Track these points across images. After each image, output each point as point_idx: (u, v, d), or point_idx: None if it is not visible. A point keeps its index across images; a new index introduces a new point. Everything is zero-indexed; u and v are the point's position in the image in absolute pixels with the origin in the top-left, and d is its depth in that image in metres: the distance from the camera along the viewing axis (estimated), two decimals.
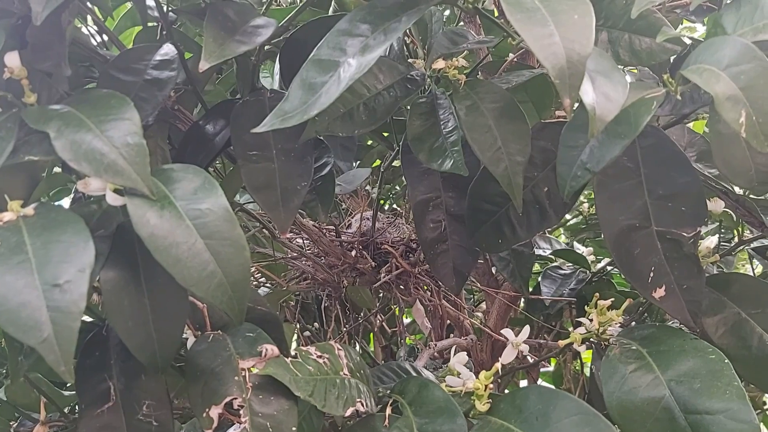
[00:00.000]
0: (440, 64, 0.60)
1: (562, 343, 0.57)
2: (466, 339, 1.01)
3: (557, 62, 0.39)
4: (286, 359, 0.47)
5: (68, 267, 0.38)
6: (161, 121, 0.65)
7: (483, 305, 1.38)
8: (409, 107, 0.65)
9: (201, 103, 0.65)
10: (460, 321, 1.05)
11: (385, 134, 1.24)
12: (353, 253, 0.86)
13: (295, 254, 0.87)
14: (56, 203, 0.58)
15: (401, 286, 0.89)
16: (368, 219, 0.90)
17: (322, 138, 0.67)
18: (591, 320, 0.59)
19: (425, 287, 0.91)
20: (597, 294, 0.62)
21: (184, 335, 0.52)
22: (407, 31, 0.75)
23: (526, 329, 0.67)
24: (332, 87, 0.46)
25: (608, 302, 0.56)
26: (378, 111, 0.58)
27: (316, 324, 1.61)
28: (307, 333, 1.63)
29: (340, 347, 0.52)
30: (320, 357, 0.50)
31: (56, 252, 0.38)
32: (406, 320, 1.41)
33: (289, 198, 0.56)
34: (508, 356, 0.64)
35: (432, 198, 0.70)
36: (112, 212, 0.46)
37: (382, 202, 1.48)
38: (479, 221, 0.64)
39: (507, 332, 0.66)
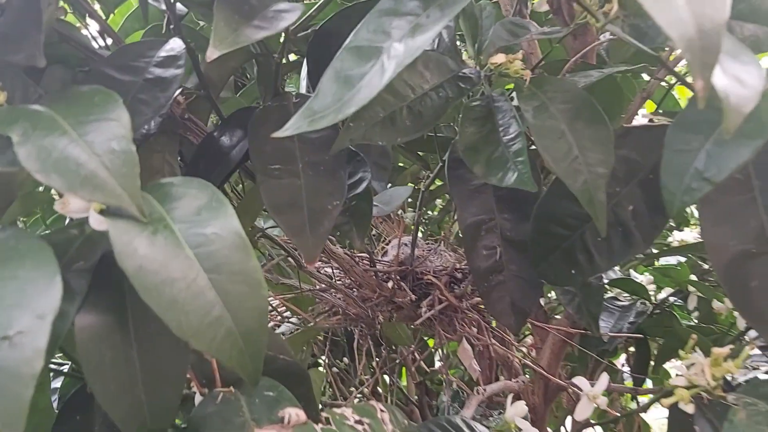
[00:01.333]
0: (500, 58, 0.50)
1: (666, 402, 0.46)
2: (516, 381, 0.89)
3: (685, 31, 0.29)
4: (315, 426, 0.37)
5: (22, 313, 0.28)
6: (170, 132, 0.55)
7: (528, 339, 1.26)
8: (458, 117, 0.55)
9: (216, 111, 0.56)
10: (510, 360, 0.93)
11: (420, 153, 1.14)
12: (390, 284, 0.75)
13: (323, 286, 0.77)
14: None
15: (445, 323, 0.78)
16: (406, 245, 0.79)
17: (357, 150, 0.57)
18: (690, 368, 0.48)
19: (472, 323, 0.80)
20: (694, 336, 0.51)
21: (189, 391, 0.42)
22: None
23: (605, 378, 0.55)
24: (374, 78, 0.36)
25: (726, 350, 0.44)
26: (425, 115, 0.48)
27: (345, 359, 1.50)
28: (335, 369, 1.52)
29: (383, 408, 0.41)
30: (358, 422, 0.39)
31: (8, 292, 0.28)
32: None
33: (318, 220, 0.46)
34: (583, 411, 0.53)
35: (484, 220, 0.60)
36: (97, 239, 0.37)
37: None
38: (547, 248, 0.53)
39: (580, 381, 0.55)
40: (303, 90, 0.63)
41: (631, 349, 1.20)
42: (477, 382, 0.85)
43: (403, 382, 1.61)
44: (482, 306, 0.76)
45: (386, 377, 1.39)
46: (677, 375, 0.47)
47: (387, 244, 0.87)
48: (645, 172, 0.50)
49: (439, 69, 0.50)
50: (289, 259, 0.74)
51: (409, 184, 1.39)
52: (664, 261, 1.17)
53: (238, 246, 0.33)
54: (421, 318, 0.73)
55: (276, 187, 0.47)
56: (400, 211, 0.86)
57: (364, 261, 0.77)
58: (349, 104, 0.36)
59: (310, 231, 0.46)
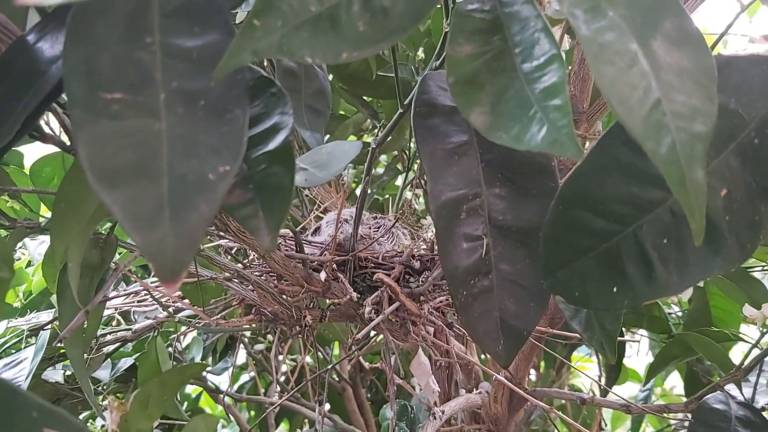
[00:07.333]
0: None
1: None
2: (479, 392, 0.71)
3: None
4: None
5: None
6: None
7: None
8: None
9: None
10: (469, 366, 0.74)
11: (367, 99, 0.93)
12: (322, 275, 0.54)
13: (228, 274, 0.55)
14: None
15: (395, 326, 0.58)
16: (347, 221, 0.59)
17: (269, 76, 0.34)
18: None
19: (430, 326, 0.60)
20: None
21: None
22: None
23: None
24: None
25: None
26: (393, 14, 0.27)
27: (269, 336, 1.33)
28: (259, 346, 1.34)
29: None
30: None
31: None
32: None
33: (189, 200, 0.24)
34: None
35: (466, 197, 0.40)
36: None
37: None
38: (573, 249, 0.33)
39: None
40: None
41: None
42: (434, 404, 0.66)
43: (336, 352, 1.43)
44: (447, 309, 0.57)
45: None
46: None
47: (322, 213, 0.66)
48: (748, 132, 0.30)
49: None
50: None
51: (353, 137, 1.16)
52: None
53: None
54: (366, 323, 0.52)
55: (110, 133, 0.25)
56: (345, 174, 0.64)
57: (287, 242, 0.56)
58: None
59: (171, 220, 0.24)
